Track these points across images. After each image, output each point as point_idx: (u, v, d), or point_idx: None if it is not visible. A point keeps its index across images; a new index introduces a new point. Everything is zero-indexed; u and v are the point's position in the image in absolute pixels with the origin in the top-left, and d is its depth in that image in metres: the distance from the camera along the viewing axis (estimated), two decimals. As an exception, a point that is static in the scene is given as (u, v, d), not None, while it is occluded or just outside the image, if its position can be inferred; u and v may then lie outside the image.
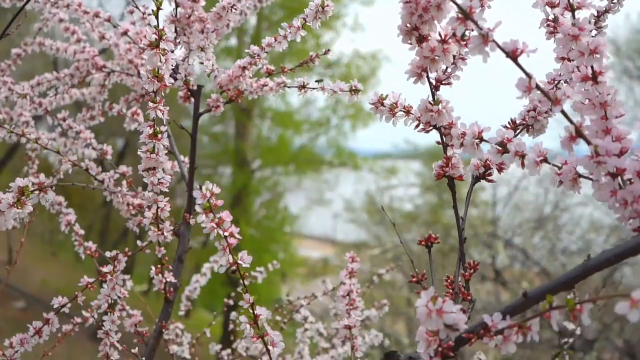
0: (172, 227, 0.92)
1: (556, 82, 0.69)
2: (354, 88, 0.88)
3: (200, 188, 0.62)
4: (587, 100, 0.56)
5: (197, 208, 0.62)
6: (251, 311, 0.66)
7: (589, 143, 0.52)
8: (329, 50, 1.02)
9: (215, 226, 0.63)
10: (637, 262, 6.88)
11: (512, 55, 0.51)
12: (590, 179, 0.54)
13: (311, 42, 11.25)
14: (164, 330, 1.00)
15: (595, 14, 0.73)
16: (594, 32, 0.73)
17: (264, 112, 11.80)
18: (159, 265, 0.97)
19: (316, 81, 0.96)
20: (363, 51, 10.53)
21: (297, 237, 11.82)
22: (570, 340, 1.13)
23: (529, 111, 0.69)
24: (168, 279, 0.98)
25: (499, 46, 0.51)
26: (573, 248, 6.96)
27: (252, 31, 10.12)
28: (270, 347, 0.66)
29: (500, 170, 0.68)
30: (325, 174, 11.94)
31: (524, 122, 0.69)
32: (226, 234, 0.63)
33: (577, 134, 0.52)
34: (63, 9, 1.14)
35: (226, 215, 0.64)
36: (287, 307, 1.40)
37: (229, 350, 1.35)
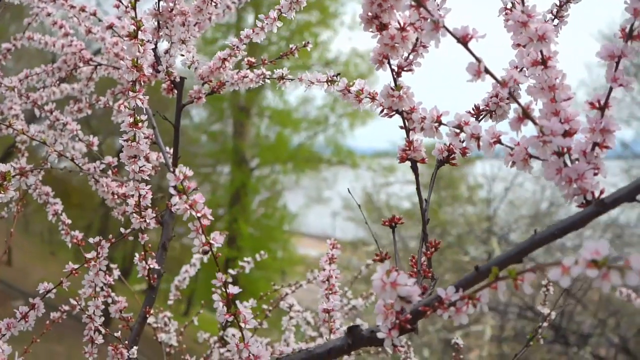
0: (154, 215, 0.95)
1: (518, 69, 0.72)
2: (330, 79, 0.90)
3: (174, 172, 0.65)
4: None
5: (171, 190, 0.65)
6: (224, 290, 0.69)
7: (535, 124, 0.55)
8: (308, 42, 1.05)
9: (188, 207, 0.65)
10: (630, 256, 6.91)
11: (463, 40, 0.54)
12: (540, 159, 0.57)
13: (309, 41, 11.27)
14: (147, 315, 1.03)
15: (558, 3, 0.76)
16: (556, 22, 0.76)
17: (262, 111, 11.84)
18: (142, 253, 1.00)
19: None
20: (361, 49, 10.56)
21: (295, 235, 11.85)
22: (545, 324, 1.16)
23: (491, 97, 0.72)
24: (151, 266, 1.00)
25: (449, 32, 0.54)
26: (569, 244, 7.00)
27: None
28: (242, 325, 0.69)
29: (463, 154, 0.71)
30: (323, 172, 11.98)
31: (487, 108, 0.72)
32: (199, 215, 0.66)
33: (525, 115, 0.55)
34: (50, 4, 1.17)
35: (199, 197, 0.66)
36: (273, 295, 1.43)
37: (215, 337, 1.38)
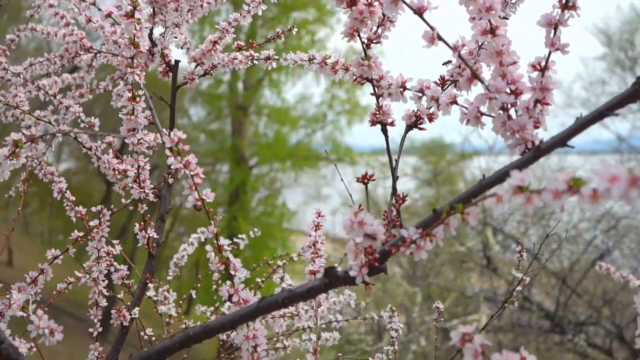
0: (152, 186, 1.03)
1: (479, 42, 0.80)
2: (311, 57, 0.98)
3: (169, 134, 0.73)
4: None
5: (167, 151, 0.73)
6: (215, 242, 0.77)
7: (482, 83, 0.62)
8: (293, 27, 1.13)
9: (182, 167, 0.73)
10: (624, 246, 7.01)
11: (419, 11, 0.62)
12: (490, 116, 0.65)
13: (306, 38, 11.38)
14: (148, 281, 1.10)
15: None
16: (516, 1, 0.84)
17: (260, 109, 11.93)
18: (142, 223, 1.08)
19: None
20: (357, 47, 10.62)
21: (295, 233, 11.90)
22: (520, 288, 1.24)
23: (455, 68, 0.80)
24: (151, 235, 1.08)
25: (406, 4, 0.61)
26: (563, 235, 7.08)
27: (247, 28, 10.25)
28: (232, 272, 0.77)
29: (430, 119, 0.78)
30: (322, 169, 12.06)
31: (451, 77, 0.80)
32: (192, 173, 0.74)
33: (473, 75, 0.63)
34: (52, -5, 1.25)
35: (192, 158, 0.74)
36: (265, 268, 1.51)
37: (212, 308, 1.46)
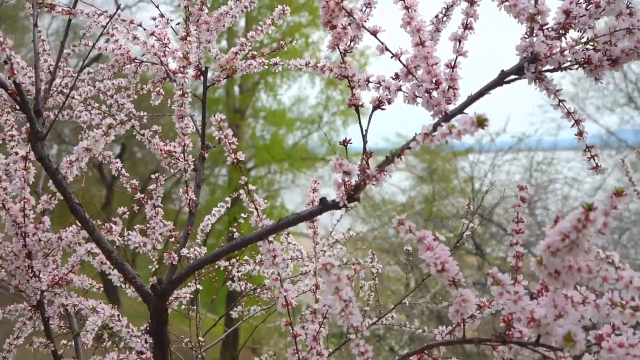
0: (194, 159, 1.40)
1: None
2: (307, 62, 1.36)
3: (214, 115, 1.11)
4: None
5: (213, 127, 1.11)
6: (246, 187, 1.14)
7: (414, 76, 1.00)
8: (293, 39, 1.51)
9: (223, 137, 1.11)
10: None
11: (373, 33, 1.00)
12: (420, 97, 1.03)
13: (300, 41, 11.75)
14: (189, 232, 1.48)
15: (446, 6, 1.21)
16: (445, 19, 1.22)
17: (257, 112, 12.29)
18: (185, 188, 1.45)
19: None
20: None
21: (293, 233, 12.20)
22: (468, 233, 1.60)
23: (402, 68, 1.17)
24: (191, 197, 1.46)
25: (365, 28, 0.99)
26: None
27: (241, 33, 10.65)
28: (258, 207, 1.14)
29: (389, 102, 1.16)
30: (319, 170, 12.41)
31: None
32: (230, 141, 1.12)
33: (408, 72, 1.01)
34: (105, 18, 1.62)
35: (229, 132, 1.12)
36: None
37: (234, 260, 1.83)
